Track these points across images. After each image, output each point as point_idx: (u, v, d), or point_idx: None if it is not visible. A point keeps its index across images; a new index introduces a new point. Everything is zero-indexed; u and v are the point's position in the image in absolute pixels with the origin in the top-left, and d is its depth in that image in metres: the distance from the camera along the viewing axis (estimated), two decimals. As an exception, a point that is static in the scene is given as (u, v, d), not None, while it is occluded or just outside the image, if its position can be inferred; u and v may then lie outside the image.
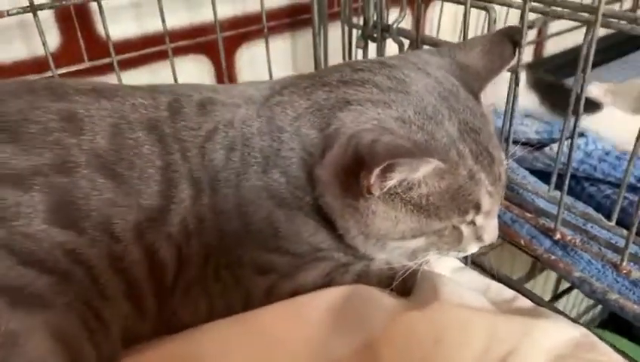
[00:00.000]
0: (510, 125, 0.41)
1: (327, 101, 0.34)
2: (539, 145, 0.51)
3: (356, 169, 0.31)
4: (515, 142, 0.44)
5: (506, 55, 0.36)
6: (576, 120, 0.37)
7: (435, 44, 0.46)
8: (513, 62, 0.38)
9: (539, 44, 0.91)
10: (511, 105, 0.40)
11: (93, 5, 0.48)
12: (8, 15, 0.42)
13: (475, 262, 0.50)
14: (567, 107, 0.37)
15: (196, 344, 0.31)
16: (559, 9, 0.37)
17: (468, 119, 0.34)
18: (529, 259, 0.89)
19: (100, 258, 0.31)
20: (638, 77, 0.67)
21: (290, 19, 0.62)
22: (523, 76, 0.43)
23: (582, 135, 0.47)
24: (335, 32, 0.58)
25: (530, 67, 0.38)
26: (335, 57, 0.59)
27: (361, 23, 0.54)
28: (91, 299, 0.30)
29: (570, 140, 0.38)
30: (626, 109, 0.54)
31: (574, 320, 0.38)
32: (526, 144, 0.52)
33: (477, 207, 0.33)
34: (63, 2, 0.46)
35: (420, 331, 0.31)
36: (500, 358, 0.29)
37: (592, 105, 0.50)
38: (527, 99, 0.47)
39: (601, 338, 0.34)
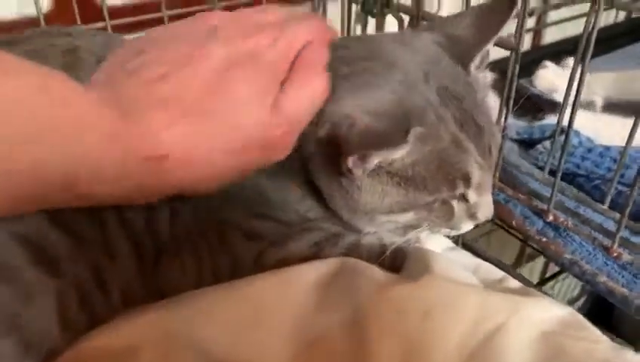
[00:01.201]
0: (508, 107, 0.41)
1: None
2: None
3: (335, 148, 0.32)
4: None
5: (495, 24, 0.35)
6: (571, 117, 0.37)
7: (433, 20, 0.45)
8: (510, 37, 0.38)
9: (537, 32, 0.91)
10: (509, 81, 0.40)
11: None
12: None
13: (465, 245, 0.50)
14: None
15: (184, 308, 0.31)
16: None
17: (450, 86, 0.33)
18: (516, 248, 0.89)
19: (111, 212, 0.32)
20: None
21: (287, -10, 0.62)
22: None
23: (563, 132, 0.48)
24: (334, 7, 0.58)
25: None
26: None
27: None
28: (99, 263, 0.31)
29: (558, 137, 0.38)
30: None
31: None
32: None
33: (466, 179, 0.33)
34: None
35: (409, 305, 0.31)
36: (488, 333, 0.29)
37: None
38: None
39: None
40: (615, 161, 0.47)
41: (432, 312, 0.30)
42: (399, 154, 0.31)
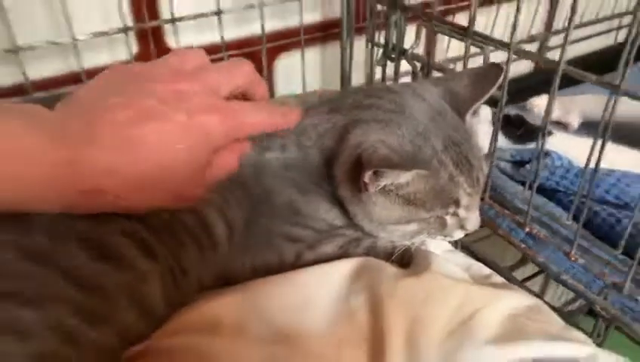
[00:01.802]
0: (494, 149, 0.52)
1: (342, 121, 0.45)
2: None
3: (358, 171, 0.41)
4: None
5: (486, 87, 0.46)
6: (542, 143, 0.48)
7: (442, 69, 0.57)
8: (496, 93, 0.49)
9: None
10: (496, 129, 0.51)
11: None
12: (108, 35, 0.54)
13: (464, 247, 0.62)
14: (526, 136, 0.48)
15: (252, 293, 0.43)
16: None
17: (452, 135, 0.44)
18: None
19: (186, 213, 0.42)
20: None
21: (322, 34, 0.74)
22: (489, 112, 0.53)
23: (547, 154, 0.59)
24: (360, 46, 0.69)
25: (490, 105, 0.49)
26: (359, 68, 0.70)
27: (383, 41, 0.65)
28: (177, 251, 0.42)
29: (538, 159, 0.49)
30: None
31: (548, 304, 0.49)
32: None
33: (457, 203, 0.44)
34: (143, 25, 0.58)
35: (412, 292, 0.42)
36: (469, 314, 0.41)
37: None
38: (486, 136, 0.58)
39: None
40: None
41: (428, 298, 0.41)
42: (404, 180, 0.42)
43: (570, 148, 0.59)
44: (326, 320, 0.42)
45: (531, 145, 0.66)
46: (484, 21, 0.83)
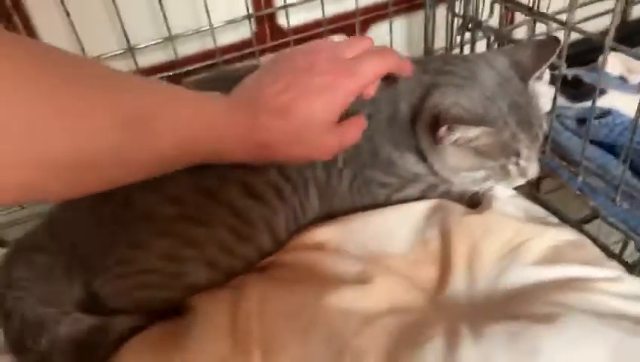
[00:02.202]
0: (553, 109, 0.61)
1: (425, 85, 0.54)
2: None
3: (436, 126, 0.50)
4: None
5: (545, 56, 0.55)
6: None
7: (511, 40, 0.65)
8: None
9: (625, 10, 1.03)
10: (556, 94, 0.60)
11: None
12: (236, 22, 0.69)
13: (536, 198, 0.71)
14: (584, 95, 0.56)
15: (347, 225, 0.56)
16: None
17: (516, 98, 0.52)
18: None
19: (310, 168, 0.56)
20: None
21: (407, 5, 0.83)
22: (547, 75, 0.60)
23: (609, 112, 0.66)
24: (442, 16, 0.78)
25: (550, 67, 0.56)
26: (440, 37, 0.80)
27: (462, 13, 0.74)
28: (301, 197, 0.56)
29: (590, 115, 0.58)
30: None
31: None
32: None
33: (518, 155, 0.53)
34: (261, 12, 0.72)
35: (477, 223, 0.54)
36: (518, 243, 0.52)
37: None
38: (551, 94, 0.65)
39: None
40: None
41: (487, 230, 0.53)
42: (472, 134, 0.50)
43: (630, 106, 0.66)
44: (406, 246, 0.55)
45: (589, 104, 0.73)
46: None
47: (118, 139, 0.35)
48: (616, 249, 0.59)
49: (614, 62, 0.78)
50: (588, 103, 0.71)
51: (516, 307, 0.46)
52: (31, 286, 0.51)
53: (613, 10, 0.51)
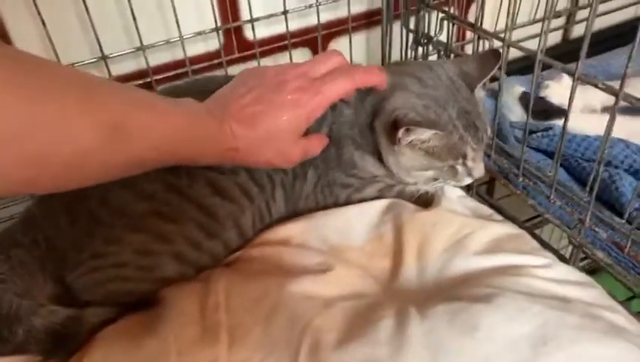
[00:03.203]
0: (497, 119, 0.68)
1: (391, 83, 0.58)
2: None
3: (393, 128, 0.55)
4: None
5: (489, 68, 0.60)
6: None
7: (458, 54, 0.72)
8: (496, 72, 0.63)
9: (566, 29, 1.12)
10: (497, 104, 0.66)
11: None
12: (205, 33, 0.73)
13: (478, 194, 0.78)
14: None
15: (312, 221, 0.61)
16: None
17: (464, 105, 0.57)
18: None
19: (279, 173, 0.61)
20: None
21: (366, 21, 0.89)
22: (516, 90, 0.67)
23: (550, 128, 0.73)
24: (398, 32, 0.84)
25: (494, 79, 0.63)
26: (396, 51, 0.86)
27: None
28: (267, 198, 0.61)
29: (525, 130, 0.64)
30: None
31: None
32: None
33: (464, 156, 0.58)
34: (228, 25, 0.76)
35: (426, 219, 0.60)
36: (463, 236, 0.58)
37: (558, 112, 0.76)
38: (515, 111, 0.71)
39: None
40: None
41: (435, 225, 0.59)
42: (425, 137, 0.55)
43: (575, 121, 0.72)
44: (363, 240, 0.60)
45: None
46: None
47: (95, 142, 0.39)
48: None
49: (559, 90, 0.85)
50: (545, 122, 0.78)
51: (459, 291, 0.52)
52: (7, 279, 0.53)
53: (552, 30, 0.57)
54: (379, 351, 0.45)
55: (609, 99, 0.59)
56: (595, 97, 0.80)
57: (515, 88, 0.87)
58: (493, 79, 0.68)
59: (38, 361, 0.51)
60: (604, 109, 0.82)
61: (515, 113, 0.85)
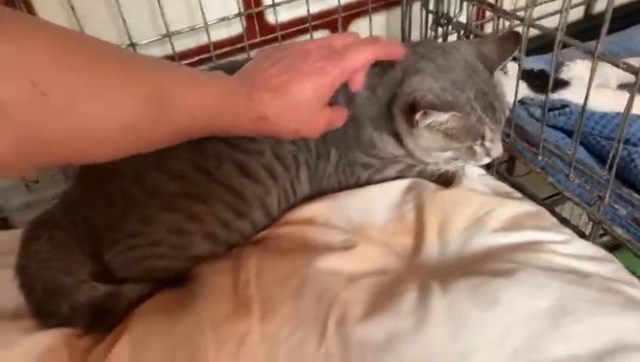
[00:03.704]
0: (515, 98, 0.68)
1: (402, 71, 0.59)
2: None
3: (411, 112, 0.57)
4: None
5: (509, 50, 0.61)
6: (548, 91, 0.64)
7: (478, 35, 0.72)
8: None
9: (589, 4, 1.11)
10: (517, 83, 0.67)
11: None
12: (228, 19, 0.75)
13: (498, 172, 0.79)
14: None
15: (337, 200, 0.63)
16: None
17: (482, 87, 0.58)
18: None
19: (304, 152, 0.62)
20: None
21: (385, 2, 0.90)
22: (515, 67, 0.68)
23: (567, 105, 0.74)
24: (417, 13, 0.85)
25: (514, 59, 0.63)
26: (415, 31, 0.87)
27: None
28: (292, 178, 0.63)
29: (545, 106, 0.65)
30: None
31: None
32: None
33: (482, 137, 0.59)
34: (251, 10, 0.78)
35: (447, 198, 0.61)
36: (483, 213, 0.59)
37: (562, 83, 0.76)
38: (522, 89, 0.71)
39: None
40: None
41: (456, 204, 0.60)
42: (443, 119, 0.56)
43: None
44: (385, 219, 0.62)
45: (554, 96, 0.81)
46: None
47: (139, 113, 0.41)
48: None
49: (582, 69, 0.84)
50: (552, 95, 0.78)
51: (480, 266, 0.53)
52: (50, 258, 0.56)
53: (573, 5, 0.58)
54: (402, 323, 0.47)
55: (625, 76, 0.60)
56: (610, 73, 0.80)
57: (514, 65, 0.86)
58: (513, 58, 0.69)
59: (82, 334, 0.55)
60: (621, 86, 0.82)
61: (522, 92, 0.84)
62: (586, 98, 0.59)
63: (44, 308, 0.55)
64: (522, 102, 0.81)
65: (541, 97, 0.80)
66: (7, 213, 0.78)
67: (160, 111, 0.42)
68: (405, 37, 0.87)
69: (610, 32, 0.53)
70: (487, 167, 0.74)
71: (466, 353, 0.45)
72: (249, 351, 0.48)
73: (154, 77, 0.43)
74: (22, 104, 0.33)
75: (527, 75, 0.79)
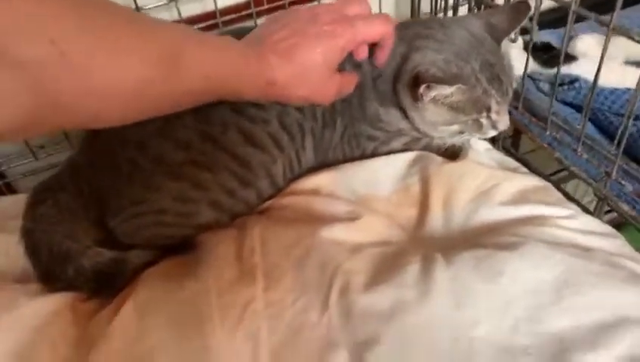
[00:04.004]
0: (525, 70, 0.67)
1: (406, 46, 0.59)
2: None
3: (415, 86, 0.56)
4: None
5: (517, 19, 0.60)
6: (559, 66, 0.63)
7: (488, 5, 0.71)
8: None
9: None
10: (528, 55, 0.66)
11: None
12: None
13: (504, 147, 0.79)
14: (554, 62, 0.62)
15: (341, 171, 0.63)
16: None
17: (488, 58, 0.57)
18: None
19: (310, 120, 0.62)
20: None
21: (396, -29, 0.88)
22: (520, 41, 0.66)
23: (577, 80, 0.72)
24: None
25: (522, 32, 0.61)
26: (425, 2, 0.85)
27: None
28: (297, 147, 0.62)
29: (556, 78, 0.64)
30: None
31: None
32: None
33: (489, 109, 0.58)
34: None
35: (453, 170, 0.61)
36: (489, 187, 0.59)
37: (569, 58, 0.74)
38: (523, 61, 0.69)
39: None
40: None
41: (461, 176, 0.60)
42: (448, 92, 0.55)
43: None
44: (390, 191, 0.62)
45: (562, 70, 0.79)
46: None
47: (151, 73, 0.40)
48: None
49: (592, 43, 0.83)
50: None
51: (484, 239, 0.53)
52: (56, 222, 0.57)
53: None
54: (406, 293, 0.47)
55: (632, 53, 0.58)
56: (616, 48, 0.78)
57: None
58: (524, 32, 0.67)
59: (87, 298, 0.55)
60: (627, 63, 0.81)
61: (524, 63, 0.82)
62: (598, 71, 0.58)
63: (49, 271, 0.56)
64: (530, 76, 0.80)
65: (547, 71, 0.79)
66: (12, 178, 0.78)
67: (173, 71, 0.41)
68: (415, 8, 0.86)
69: (623, 6, 0.51)
70: (493, 142, 0.74)
71: (470, 323, 0.45)
72: (253, 317, 0.48)
73: (166, 38, 0.42)
74: (41, 64, 0.33)
75: (532, 49, 0.77)
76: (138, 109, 0.42)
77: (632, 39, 0.52)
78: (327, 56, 0.51)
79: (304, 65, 0.50)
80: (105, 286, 0.56)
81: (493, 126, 0.61)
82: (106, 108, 0.39)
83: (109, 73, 0.37)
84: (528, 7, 0.60)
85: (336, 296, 0.49)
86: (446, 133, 0.63)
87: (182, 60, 0.42)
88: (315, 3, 0.83)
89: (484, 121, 0.60)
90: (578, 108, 0.77)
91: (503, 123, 0.61)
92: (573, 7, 0.57)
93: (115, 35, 0.38)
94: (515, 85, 0.63)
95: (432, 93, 0.56)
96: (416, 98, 0.58)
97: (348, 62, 0.58)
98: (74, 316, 0.53)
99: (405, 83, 0.59)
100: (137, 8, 0.70)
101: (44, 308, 0.53)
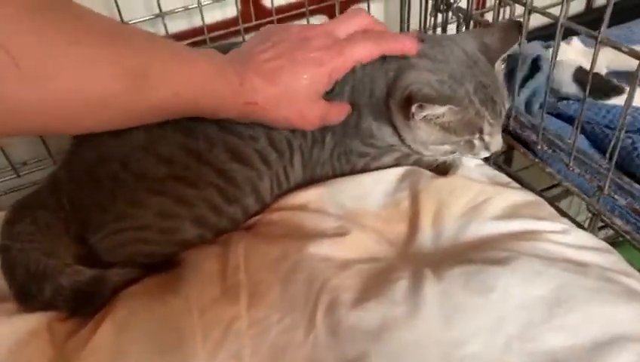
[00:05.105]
0: (517, 81, 0.67)
1: (400, 65, 0.58)
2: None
3: (408, 104, 0.55)
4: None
5: (510, 40, 0.59)
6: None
7: (479, 21, 0.71)
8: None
9: (589, -1, 1.10)
10: (517, 73, 0.66)
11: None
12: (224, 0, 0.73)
13: (496, 163, 0.78)
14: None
15: (330, 187, 0.61)
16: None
17: (482, 79, 0.56)
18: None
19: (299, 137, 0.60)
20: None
21: (385, -13, 0.88)
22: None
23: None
24: (415, 4, 0.83)
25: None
26: (414, 17, 0.85)
27: (435, -4, 0.79)
28: (285, 163, 0.61)
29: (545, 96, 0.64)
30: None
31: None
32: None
33: (481, 131, 0.57)
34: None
35: (444, 186, 0.60)
36: (480, 202, 0.58)
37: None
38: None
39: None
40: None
41: (452, 191, 0.59)
42: (440, 112, 0.54)
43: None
44: (379, 206, 0.61)
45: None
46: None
47: (118, 87, 0.40)
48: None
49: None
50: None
51: (475, 254, 0.52)
52: (34, 240, 0.55)
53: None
54: (395, 310, 0.46)
55: (614, 64, 0.57)
56: (601, 60, 0.78)
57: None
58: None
59: (65, 318, 0.53)
60: (609, 74, 0.81)
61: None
62: (589, 85, 0.57)
63: (26, 290, 0.54)
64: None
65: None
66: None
67: (140, 86, 0.41)
68: (404, 23, 0.86)
69: (610, 24, 0.51)
70: (486, 159, 0.73)
71: (460, 341, 0.44)
72: (236, 337, 0.47)
73: (137, 51, 0.41)
74: None
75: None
76: (103, 121, 0.42)
77: (620, 50, 0.51)
78: (312, 82, 0.51)
79: (287, 89, 0.49)
80: (84, 306, 0.54)
81: (486, 147, 0.60)
82: (69, 118, 0.38)
83: (70, 86, 0.37)
84: (520, 26, 0.60)
85: (323, 313, 0.47)
86: (438, 152, 0.61)
87: (150, 75, 0.41)
88: (302, 23, 0.82)
89: (476, 142, 0.59)
90: (569, 121, 0.76)
91: (496, 144, 0.60)
92: (561, 19, 0.56)
93: (80, 48, 0.37)
94: (507, 105, 0.62)
95: (424, 113, 0.55)
96: (407, 117, 0.57)
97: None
98: (51, 336, 0.51)
99: (398, 101, 0.58)
100: (122, 22, 0.69)
101: (20, 328, 0.51)
